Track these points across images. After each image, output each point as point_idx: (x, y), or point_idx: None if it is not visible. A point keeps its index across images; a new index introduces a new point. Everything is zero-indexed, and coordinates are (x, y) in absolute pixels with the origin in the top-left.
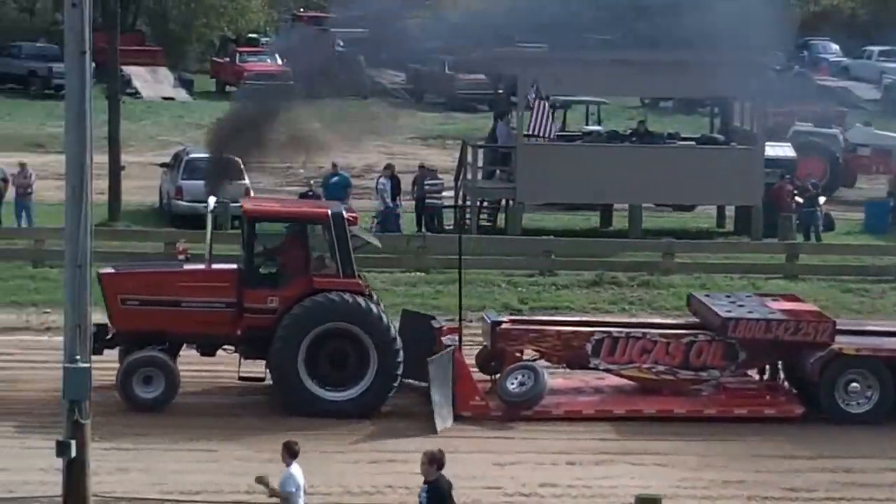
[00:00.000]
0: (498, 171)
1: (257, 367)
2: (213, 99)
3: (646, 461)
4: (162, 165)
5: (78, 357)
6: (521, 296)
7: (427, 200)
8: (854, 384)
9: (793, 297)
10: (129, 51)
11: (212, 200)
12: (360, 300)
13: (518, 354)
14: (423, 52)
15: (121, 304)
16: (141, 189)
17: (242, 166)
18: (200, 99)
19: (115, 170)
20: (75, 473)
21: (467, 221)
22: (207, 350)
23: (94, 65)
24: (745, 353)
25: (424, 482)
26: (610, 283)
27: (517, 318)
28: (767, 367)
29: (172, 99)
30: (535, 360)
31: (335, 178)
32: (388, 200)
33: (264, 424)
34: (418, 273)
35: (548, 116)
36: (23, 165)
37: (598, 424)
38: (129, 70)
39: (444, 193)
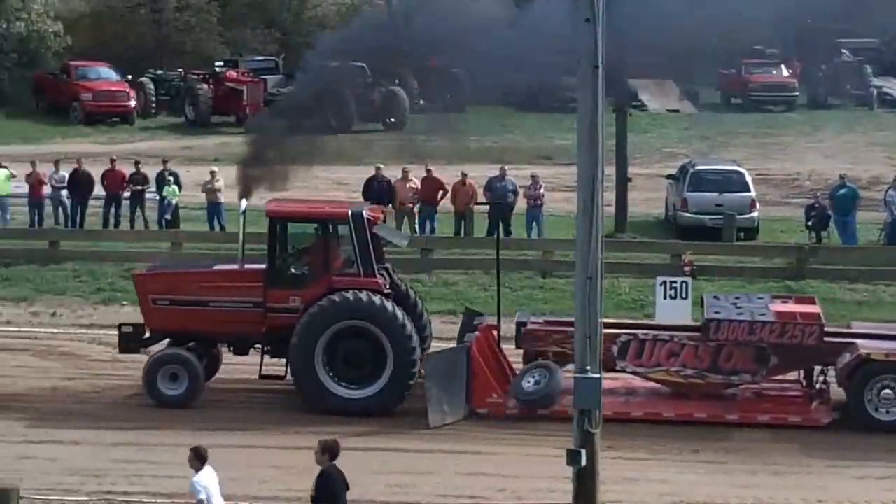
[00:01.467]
0: None
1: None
2: (719, 111)
3: None
4: (668, 177)
5: (588, 367)
6: None
7: None
8: (887, 391)
9: (807, 300)
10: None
11: (243, 203)
12: (377, 299)
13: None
14: None
15: (152, 304)
16: (647, 200)
17: (749, 178)
18: (706, 111)
19: (623, 181)
20: (585, 482)
21: None
22: (239, 349)
23: None
24: (777, 357)
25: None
26: None
27: (550, 319)
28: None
29: (678, 111)
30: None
31: (843, 190)
32: None
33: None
34: None
35: None
36: (534, 177)
37: None
38: (636, 82)
39: None
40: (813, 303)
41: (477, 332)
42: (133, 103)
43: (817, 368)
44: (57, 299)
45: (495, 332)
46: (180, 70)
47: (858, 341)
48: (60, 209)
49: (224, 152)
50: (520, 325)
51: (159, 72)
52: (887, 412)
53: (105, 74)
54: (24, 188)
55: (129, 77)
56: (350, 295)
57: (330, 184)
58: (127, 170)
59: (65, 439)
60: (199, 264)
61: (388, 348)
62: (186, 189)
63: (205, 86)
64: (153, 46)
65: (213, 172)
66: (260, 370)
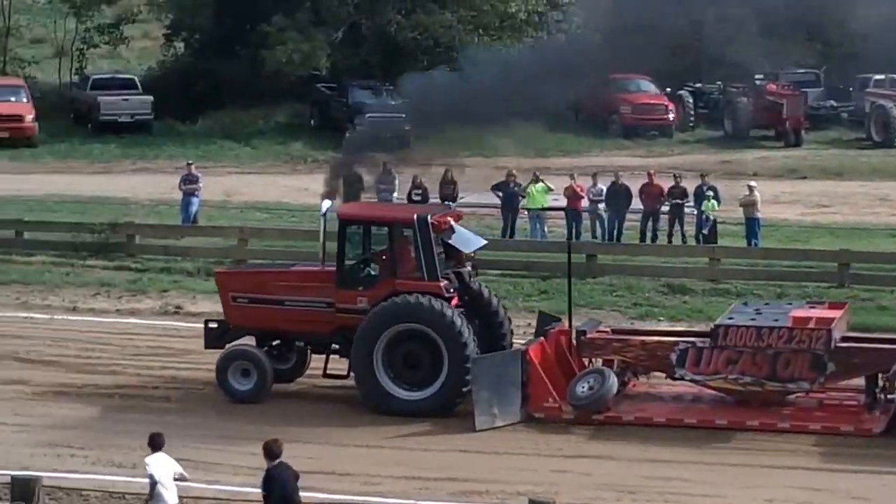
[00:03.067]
0: None
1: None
2: None
3: None
4: None
5: None
6: None
7: None
8: None
9: (835, 306)
10: None
11: (325, 204)
12: (437, 303)
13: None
14: None
15: (232, 302)
16: None
17: None
18: None
19: None
20: None
21: None
22: (315, 348)
23: None
24: (834, 364)
25: None
26: None
27: (616, 328)
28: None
29: None
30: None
31: None
32: None
33: None
34: None
35: None
36: None
37: None
38: None
39: None
40: (839, 308)
41: (541, 338)
42: (672, 116)
43: (880, 377)
44: (593, 313)
45: (565, 338)
46: (719, 83)
47: None
48: (598, 222)
49: (763, 166)
50: (580, 333)
51: (698, 84)
52: None
53: (644, 87)
54: (562, 201)
55: (668, 90)
56: (410, 298)
57: (872, 199)
58: (665, 184)
59: (601, 454)
60: (279, 264)
61: (444, 352)
62: (725, 204)
63: (744, 99)
64: (692, 59)
65: (751, 187)
66: (325, 369)
